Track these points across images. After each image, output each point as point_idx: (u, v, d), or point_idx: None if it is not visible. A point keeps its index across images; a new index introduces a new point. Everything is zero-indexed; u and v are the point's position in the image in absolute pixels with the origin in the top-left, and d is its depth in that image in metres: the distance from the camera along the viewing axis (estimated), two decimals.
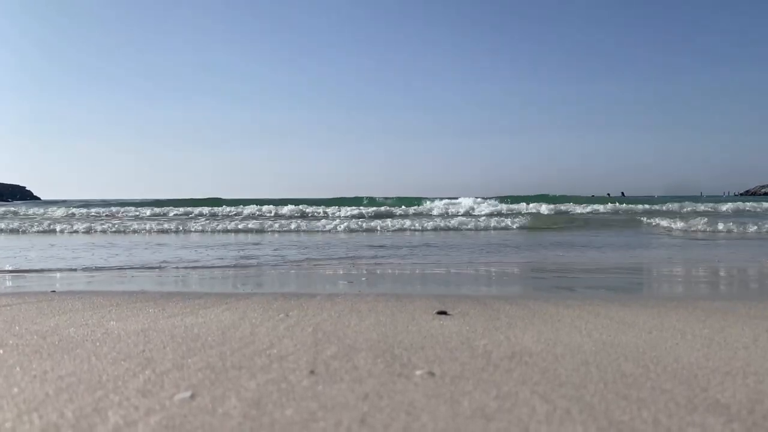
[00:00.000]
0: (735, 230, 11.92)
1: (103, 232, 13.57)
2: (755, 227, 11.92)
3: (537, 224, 14.85)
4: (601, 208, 20.55)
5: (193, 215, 19.44)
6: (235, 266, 6.17)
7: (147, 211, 20.44)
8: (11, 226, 14.60)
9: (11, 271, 5.88)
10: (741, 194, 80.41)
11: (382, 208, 20.51)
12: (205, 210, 20.35)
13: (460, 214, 18.98)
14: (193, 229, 13.90)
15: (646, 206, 20.07)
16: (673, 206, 19.78)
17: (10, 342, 2.17)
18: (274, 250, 8.22)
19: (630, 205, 20.72)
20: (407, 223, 14.69)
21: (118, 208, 22.34)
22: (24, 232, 13.84)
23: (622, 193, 52.63)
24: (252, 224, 14.75)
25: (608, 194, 53.29)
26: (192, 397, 1.45)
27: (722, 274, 5.63)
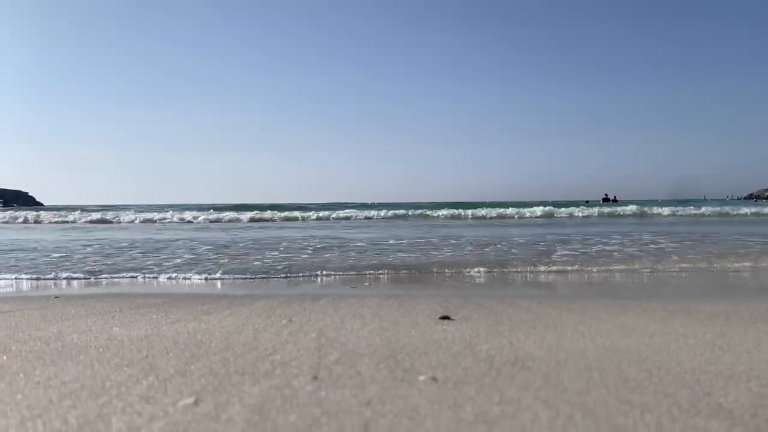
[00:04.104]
0: None
1: None
2: None
3: None
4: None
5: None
6: None
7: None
8: None
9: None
10: (744, 198, 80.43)
11: None
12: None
13: None
14: None
15: None
16: None
17: (14, 348, 2.18)
18: None
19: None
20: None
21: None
22: None
23: (615, 197, 52.31)
24: None
25: (606, 195, 53.07)
26: (195, 403, 1.45)
27: None
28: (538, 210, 23.26)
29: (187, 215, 21.90)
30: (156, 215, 21.90)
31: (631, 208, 23.59)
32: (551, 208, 24.14)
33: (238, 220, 20.83)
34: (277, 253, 7.87)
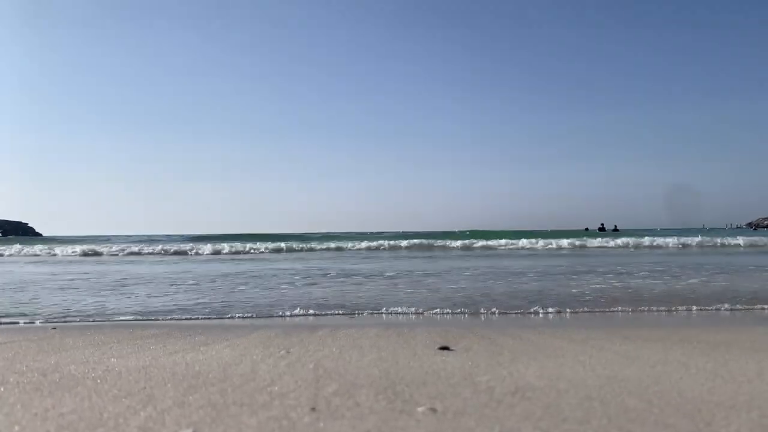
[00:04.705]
0: None
1: None
2: None
3: None
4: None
5: None
6: None
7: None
8: None
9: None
10: (743, 226, 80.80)
11: None
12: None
13: None
14: None
15: None
16: None
17: (11, 379, 2.16)
18: None
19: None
20: None
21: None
22: None
23: (615, 227, 52.31)
24: None
25: (602, 224, 53.19)
26: None
27: None
28: (565, 242, 22.52)
29: (185, 246, 21.78)
30: (145, 247, 21.67)
31: (642, 239, 22.81)
32: (575, 240, 23.38)
33: (219, 252, 20.25)
34: (270, 285, 7.85)
